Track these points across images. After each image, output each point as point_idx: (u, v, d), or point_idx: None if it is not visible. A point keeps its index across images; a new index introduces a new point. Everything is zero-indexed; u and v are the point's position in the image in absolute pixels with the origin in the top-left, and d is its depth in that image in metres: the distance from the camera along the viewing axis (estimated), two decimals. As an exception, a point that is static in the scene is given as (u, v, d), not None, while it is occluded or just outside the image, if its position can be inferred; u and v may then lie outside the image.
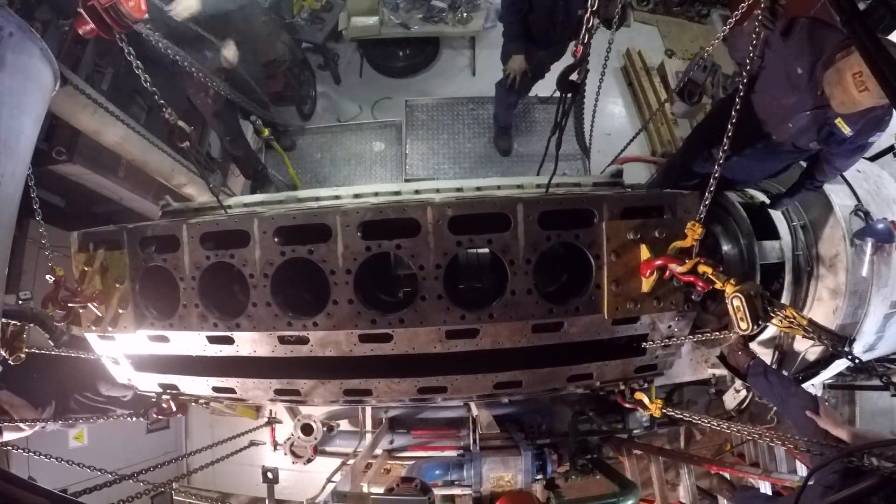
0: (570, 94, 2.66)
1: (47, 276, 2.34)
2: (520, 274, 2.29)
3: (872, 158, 4.34)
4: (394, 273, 3.24)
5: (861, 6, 4.99)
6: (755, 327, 1.81)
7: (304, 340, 2.41)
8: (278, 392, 2.72)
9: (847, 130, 2.64)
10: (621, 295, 2.31)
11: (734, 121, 2.06)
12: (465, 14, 6.10)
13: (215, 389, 2.78)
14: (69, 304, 2.36)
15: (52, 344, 2.48)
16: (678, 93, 5.78)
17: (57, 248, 2.70)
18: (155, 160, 3.84)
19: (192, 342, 2.52)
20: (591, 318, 2.37)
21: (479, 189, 2.95)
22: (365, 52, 6.78)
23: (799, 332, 1.91)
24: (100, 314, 2.48)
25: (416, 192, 2.96)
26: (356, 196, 2.99)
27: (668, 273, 2.19)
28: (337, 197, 3.01)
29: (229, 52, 3.86)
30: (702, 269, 2.00)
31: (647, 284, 2.27)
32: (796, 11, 3.01)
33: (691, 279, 2.06)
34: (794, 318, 1.84)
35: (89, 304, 2.42)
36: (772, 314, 1.82)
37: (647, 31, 7.41)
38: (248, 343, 2.47)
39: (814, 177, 3.05)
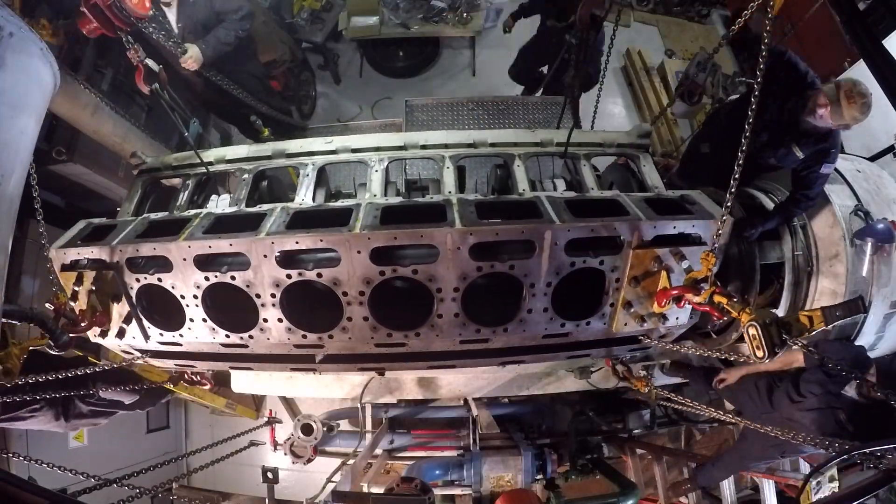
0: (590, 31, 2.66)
1: (47, 304, 2.22)
2: (539, 296, 2.23)
3: (872, 158, 4.35)
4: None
5: (861, 6, 4.99)
6: (771, 356, 1.79)
7: (319, 346, 2.37)
8: (294, 369, 2.78)
9: (799, 154, 2.99)
10: (632, 313, 2.31)
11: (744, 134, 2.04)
12: (465, 14, 6.09)
13: (233, 368, 2.81)
14: (71, 335, 2.26)
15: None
16: (678, 93, 5.77)
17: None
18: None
19: (206, 345, 2.45)
20: (598, 328, 2.38)
21: (493, 145, 2.81)
22: (365, 52, 6.77)
23: (821, 326, 1.88)
24: (105, 329, 2.41)
25: (423, 146, 2.80)
26: (354, 151, 2.80)
27: (682, 302, 2.19)
28: (333, 152, 2.81)
29: (193, 51, 3.59)
30: (717, 299, 1.99)
31: (659, 308, 2.28)
32: (796, 12, 3.03)
33: (707, 309, 2.05)
34: (811, 327, 1.82)
35: (93, 328, 2.33)
36: (788, 342, 1.80)
37: (647, 31, 7.40)
38: (264, 348, 2.42)
39: (788, 208, 3.14)
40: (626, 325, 2.33)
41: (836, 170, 3.36)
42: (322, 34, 6.30)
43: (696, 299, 2.05)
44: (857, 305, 1.77)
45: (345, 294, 2.18)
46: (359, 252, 2.08)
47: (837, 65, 5.33)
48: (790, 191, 3.14)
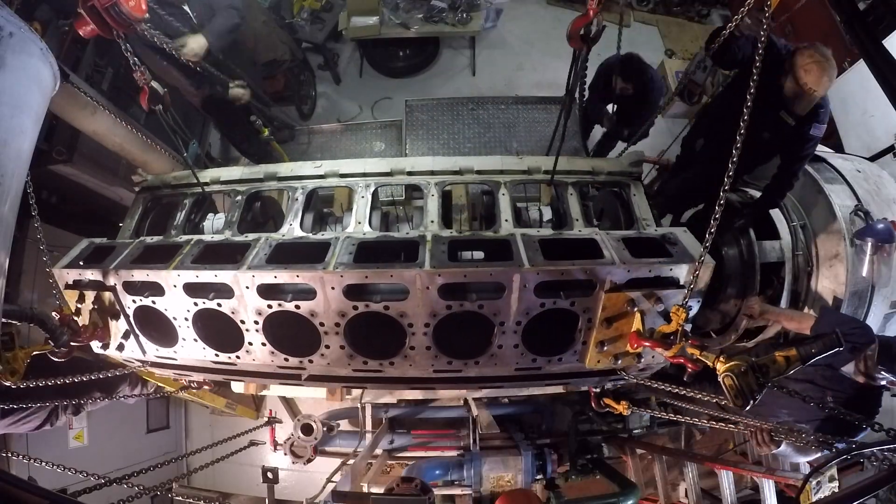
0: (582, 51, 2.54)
1: (53, 314, 2.32)
2: (509, 333, 2.27)
3: (872, 158, 4.35)
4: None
5: (861, 6, 4.99)
6: (751, 403, 1.78)
7: (301, 368, 2.50)
8: (282, 381, 2.86)
9: (790, 120, 2.91)
10: (605, 352, 2.33)
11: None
12: (465, 14, 6.09)
13: (226, 380, 2.93)
14: (72, 344, 2.35)
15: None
16: (678, 93, 5.78)
17: (56, 248, 2.70)
18: (154, 160, 3.83)
19: (199, 361, 2.59)
20: (570, 364, 2.42)
21: (479, 172, 2.83)
22: (365, 52, 6.77)
23: (798, 365, 1.86)
24: (106, 343, 2.55)
25: (410, 173, 2.83)
26: (342, 176, 2.86)
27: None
28: (321, 176, 2.87)
29: (195, 43, 3.46)
30: (690, 350, 1.98)
31: (632, 349, 2.28)
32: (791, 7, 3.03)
33: (680, 360, 2.03)
34: (788, 366, 1.81)
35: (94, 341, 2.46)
36: (766, 384, 1.79)
37: (647, 31, 7.40)
38: (251, 366, 2.54)
39: (776, 184, 3.12)
40: (598, 362, 2.36)
41: (836, 169, 3.36)
42: (322, 34, 6.29)
43: (667, 353, 2.04)
44: (832, 341, 1.76)
45: (321, 325, 2.29)
46: (333, 288, 2.18)
47: (837, 64, 5.32)
48: (779, 165, 3.11)
